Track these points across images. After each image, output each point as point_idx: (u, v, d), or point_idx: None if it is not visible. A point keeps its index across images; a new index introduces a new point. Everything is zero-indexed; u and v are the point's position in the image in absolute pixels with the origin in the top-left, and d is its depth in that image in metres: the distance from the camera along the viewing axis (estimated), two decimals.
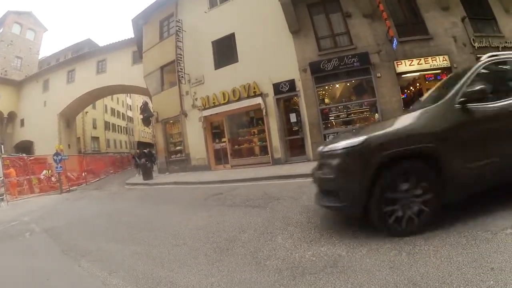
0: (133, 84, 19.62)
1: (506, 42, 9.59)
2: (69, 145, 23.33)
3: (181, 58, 12.72)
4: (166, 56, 13.68)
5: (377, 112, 9.48)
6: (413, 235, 2.31)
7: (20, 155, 15.62)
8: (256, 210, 4.09)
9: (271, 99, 10.78)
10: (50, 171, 14.25)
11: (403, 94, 9.77)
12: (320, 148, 2.94)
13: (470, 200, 2.55)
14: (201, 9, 12.70)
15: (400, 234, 2.36)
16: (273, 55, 10.67)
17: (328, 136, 9.42)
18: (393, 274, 1.81)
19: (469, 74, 2.68)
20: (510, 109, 2.53)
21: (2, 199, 10.08)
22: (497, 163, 2.45)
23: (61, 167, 12.41)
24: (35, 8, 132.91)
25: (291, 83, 10.40)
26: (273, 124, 10.75)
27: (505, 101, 2.56)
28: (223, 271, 2.26)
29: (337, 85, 10.40)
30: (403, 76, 9.74)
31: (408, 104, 8.58)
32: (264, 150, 11.24)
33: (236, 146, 12.07)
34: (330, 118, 10.18)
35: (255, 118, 11.66)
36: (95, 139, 32.81)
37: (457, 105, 2.52)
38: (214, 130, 12.72)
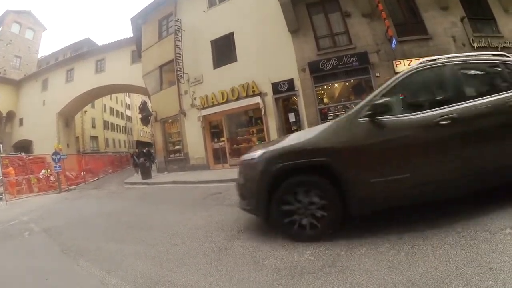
0: (132, 83, 19.57)
1: (505, 42, 9.62)
2: (68, 144, 23.25)
3: (180, 57, 12.71)
4: (165, 55, 13.67)
5: None
6: (316, 240, 2.44)
7: (19, 155, 15.59)
8: None
9: (270, 99, 10.78)
10: (49, 170, 14.19)
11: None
12: (242, 156, 3.17)
13: (470, 200, 2.55)
14: (200, 8, 12.69)
15: (304, 239, 2.47)
16: (272, 54, 10.67)
17: None
18: (392, 274, 1.81)
19: (385, 84, 2.62)
20: (425, 122, 2.37)
21: (1, 199, 10.03)
22: (408, 179, 2.31)
23: (60, 166, 12.36)
24: (34, 7, 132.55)
25: (290, 83, 10.40)
26: (272, 124, 10.76)
27: (422, 113, 2.43)
28: (221, 270, 2.26)
29: (336, 85, 10.42)
30: None
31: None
32: None
33: (235, 146, 12.08)
34: (329, 118, 10.12)
35: (254, 117, 11.66)
36: (94, 138, 32.72)
37: (362, 118, 2.43)
38: (213, 130, 12.72)
